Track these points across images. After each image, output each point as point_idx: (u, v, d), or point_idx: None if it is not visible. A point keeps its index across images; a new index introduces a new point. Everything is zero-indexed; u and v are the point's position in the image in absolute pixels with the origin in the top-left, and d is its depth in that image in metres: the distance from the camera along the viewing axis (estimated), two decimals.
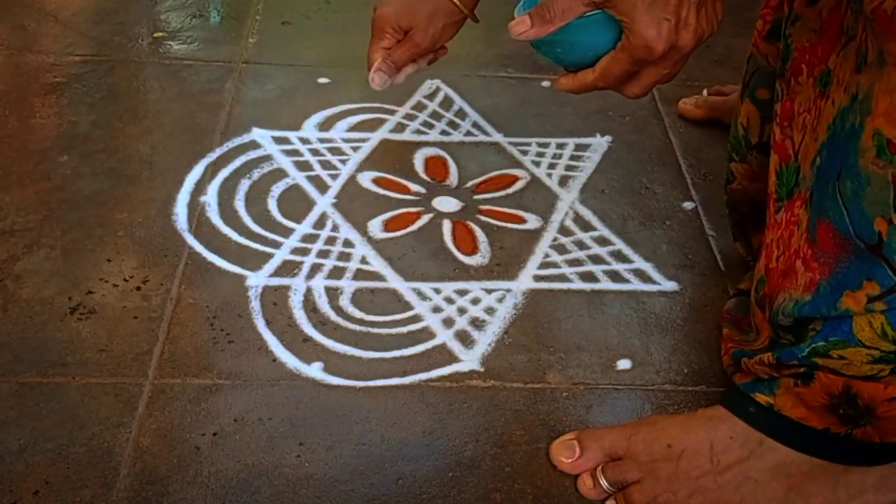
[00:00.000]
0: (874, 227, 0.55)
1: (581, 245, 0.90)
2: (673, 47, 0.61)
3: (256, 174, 0.96)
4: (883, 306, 0.57)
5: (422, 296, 0.83)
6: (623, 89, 0.66)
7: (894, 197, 0.54)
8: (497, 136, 1.04)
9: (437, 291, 0.84)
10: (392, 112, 1.07)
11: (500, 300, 0.83)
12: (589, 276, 0.86)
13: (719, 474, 0.65)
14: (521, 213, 0.93)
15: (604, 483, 0.67)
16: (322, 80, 1.11)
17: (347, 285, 0.83)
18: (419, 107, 1.08)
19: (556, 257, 0.88)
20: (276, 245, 0.87)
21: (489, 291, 0.84)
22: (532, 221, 0.92)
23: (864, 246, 0.57)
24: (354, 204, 0.93)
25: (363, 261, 0.86)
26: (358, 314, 0.81)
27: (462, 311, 0.82)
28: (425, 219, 0.92)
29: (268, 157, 0.98)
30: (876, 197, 0.55)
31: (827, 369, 0.62)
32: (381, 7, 0.95)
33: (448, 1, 0.92)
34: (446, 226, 0.91)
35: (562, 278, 0.86)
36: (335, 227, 0.90)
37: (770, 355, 0.65)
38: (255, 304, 0.81)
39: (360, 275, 0.85)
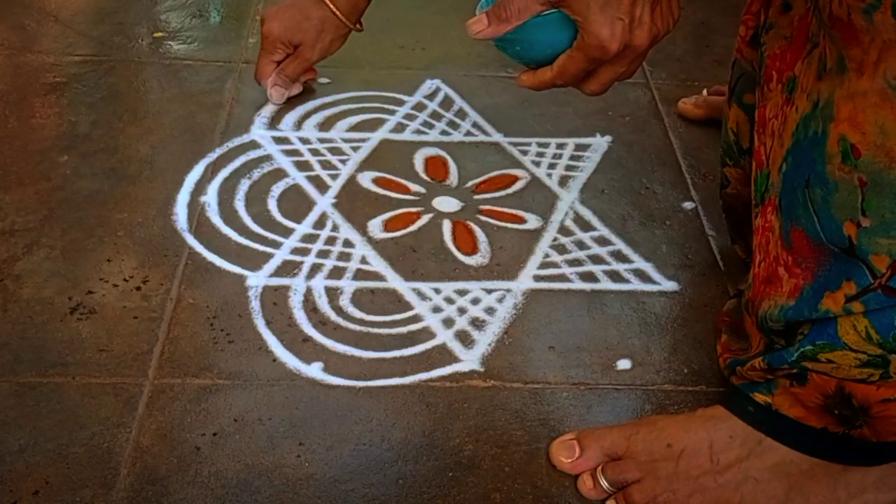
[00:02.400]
0: (843, 231, 0.56)
1: (581, 245, 0.90)
2: (628, 46, 0.62)
3: (256, 174, 0.96)
4: (861, 307, 0.57)
5: (422, 296, 0.83)
6: (582, 87, 0.67)
7: (862, 200, 0.54)
8: (497, 136, 1.04)
9: (437, 291, 0.84)
10: (392, 112, 1.07)
11: (500, 300, 0.83)
12: (589, 276, 0.86)
13: (719, 473, 0.65)
14: (521, 213, 0.93)
15: (604, 483, 0.67)
16: (322, 80, 1.11)
17: (347, 285, 0.83)
18: (419, 107, 1.08)
19: (556, 257, 0.88)
20: (276, 245, 0.87)
21: (489, 291, 0.84)
22: (532, 221, 0.92)
23: (838, 250, 0.57)
24: (354, 204, 0.93)
25: (363, 261, 0.86)
26: (358, 314, 0.81)
27: (462, 311, 0.82)
28: (425, 219, 0.92)
29: (268, 157, 0.98)
30: (844, 202, 0.56)
31: (817, 372, 0.62)
32: (269, 22, 1.01)
33: (333, 17, 0.98)
34: (446, 226, 0.91)
35: (562, 278, 0.86)
36: (335, 227, 0.90)
37: (761, 360, 0.65)
38: (255, 304, 0.81)
39: (360, 275, 0.85)
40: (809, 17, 0.62)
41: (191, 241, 0.87)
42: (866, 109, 0.53)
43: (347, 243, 0.88)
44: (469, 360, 0.77)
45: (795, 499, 0.65)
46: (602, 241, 0.90)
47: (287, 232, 0.89)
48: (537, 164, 1.01)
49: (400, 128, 1.05)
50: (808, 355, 0.61)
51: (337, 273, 0.85)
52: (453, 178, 0.97)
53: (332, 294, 0.83)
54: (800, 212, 0.59)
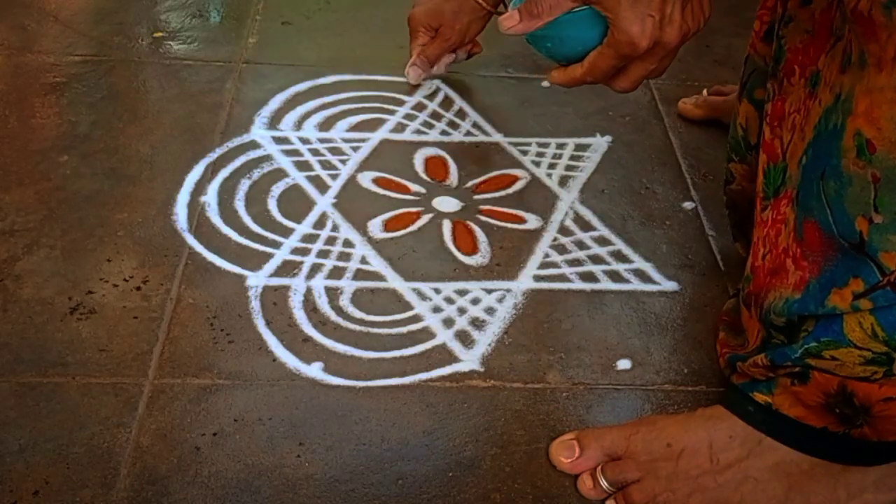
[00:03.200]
0: (855, 226, 0.56)
1: (581, 245, 0.90)
2: (657, 43, 0.62)
3: (256, 174, 0.96)
4: (869, 304, 0.57)
5: (422, 296, 0.83)
6: (612, 84, 0.67)
7: (874, 196, 0.55)
8: (497, 136, 1.04)
9: (437, 291, 0.84)
10: (392, 112, 1.07)
11: (500, 300, 0.83)
12: (589, 276, 0.86)
13: (719, 473, 0.65)
14: (521, 213, 0.93)
15: (603, 483, 0.67)
16: (322, 80, 1.11)
17: (347, 285, 0.83)
18: (419, 107, 1.08)
19: (556, 257, 0.88)
20: (276, 245, 0.87)
21: (489, 291, 0.84)
22: (532, 221, 0.92)
23: (848, 245, 0.57)
24: (354, 204, 0.93)
25: (363, 261, 0.86)
26: (358, 314, 0.81)
27: (462, 311, 0.82)
28: (425, 219, 0.92)
29: (268, 157, 0.98)
30: (857, 197, 0.56)
31: (821, 370, 0.62)
32: (414, 8, 1.10)
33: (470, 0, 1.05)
34: (446, 226, 0.91)
35: (562, 278, 0.86)
36: (335, 227, 0.90)
37: (763, 357, 0.65)
38: (255, 304, 0.81)
39: (360, 275, 0.85)
40: (833, 10, 0.62)
41: (191, 241, 0.87)
42: (882, 105, 0.53)
43: (347, 243, 0.88)
44: (469, 360, 0.77)
45: (795, 499, 0.65)
46: (602, 241, 0.91)
47: (287, 232, 0.89)
48: (537, 164, 1.01)
49: (400, 128, 1.05)
50: (813, 352, 0.61)
51: (337, 273, 0.85)
52: (453, 178, 0.97)
53: (332, 294, 0.83)
54: (813, 204, 0.60)
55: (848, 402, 0.62)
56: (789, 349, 0.63)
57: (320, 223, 0.90)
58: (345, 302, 0.82)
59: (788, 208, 0.64)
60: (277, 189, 0.94)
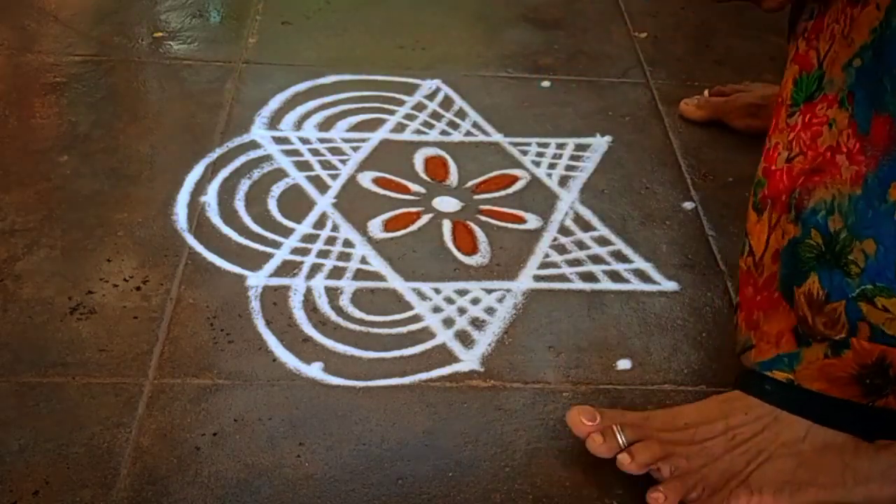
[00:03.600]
0: None
1: (581, 245, 0.90)
2: None
3: (256, 174, 0.96)
4: None
5: (422, 296, 0.83)
6: (761, 1, 0.69)
7: None
8: (497, 136, 1.04)
9: (437, 291, 0.84)
10: (392, 112, 1.07)
11: (500, 300, 0.83)
12: (589, 276, 0.86)
13: (733, 448, 0.66)
14: (521, 213, 0.93)
15: (620, 438, 0.66)
16: (322, 80, 1.11)
17: (347, 285, 0.83)
18: (419, 107, 1.08)
19: (556, 257, 0.88)
20: (276, 245, 0.87)
21: (489, 291, 0.84)
22: (532, 221, 0.92)
23: None
24: (354, 204, 0.93)
25: (363, 261, 0.86)
26: (358, 314, 0.81)
27: (462, 311, 0.82)
28: (425, 219, 0.92)
29: (268, 157, 0.98)
30: None
31: (868, 323, 0.62)
32: None
33: None
34: (446, 226, 0.91)
35: (562, 278, 0.86)
36: (335, 227, 0.90)
37: (819, 287, 0.65)
38: (255, 304, 0.81)
39: (360, 275, 0.85)
40: None
41: (191, 241, 0.87)
42: None
43: (347, 243, 0.88)
44: (469, 360, 0.77)
45: (803, 475, 0.65)
46: (602, 241, 0.90)
47: (287, 232, 0.89)
48: (537, 164, 1.01)
49: (400, 128, 1.05)
50: (868, 295, 0.62)
51: (337, 273, 0.85)
52: (453, 178, 0.97)
53: (332, 294, 0.83)
54: (887, 99, 0.61)
55: (882, 373, 0.63)
56: (846, 285, 0.63)
57: (320, 223, 0.90)
58: (345, 302, 0.82)
59: (832, 109, 0.65)
60: (277, 189, 0.94)
